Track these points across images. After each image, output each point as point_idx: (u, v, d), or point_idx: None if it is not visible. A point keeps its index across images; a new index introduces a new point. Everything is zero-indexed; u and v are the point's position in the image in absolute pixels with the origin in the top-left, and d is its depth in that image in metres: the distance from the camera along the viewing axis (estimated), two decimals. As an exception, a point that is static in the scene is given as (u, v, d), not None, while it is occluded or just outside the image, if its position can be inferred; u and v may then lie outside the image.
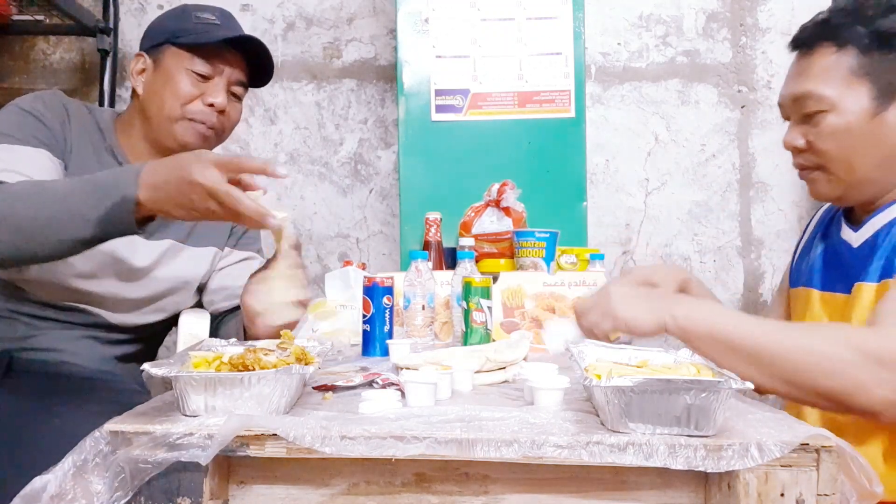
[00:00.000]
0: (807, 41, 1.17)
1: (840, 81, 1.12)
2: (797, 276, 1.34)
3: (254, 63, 1.45)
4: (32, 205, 1.08)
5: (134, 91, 1.43)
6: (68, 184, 1.12)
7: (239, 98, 1.47)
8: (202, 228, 1.49)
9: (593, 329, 1.09)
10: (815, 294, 1.25)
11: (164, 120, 1.38)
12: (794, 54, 1.21)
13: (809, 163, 1.18)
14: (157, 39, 1.41)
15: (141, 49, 1.44)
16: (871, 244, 1.15)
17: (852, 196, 1.18)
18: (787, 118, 1.23)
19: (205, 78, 1.39)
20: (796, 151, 1.20)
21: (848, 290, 1.17)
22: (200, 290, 1.54)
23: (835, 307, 1.20)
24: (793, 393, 0.97)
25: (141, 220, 1.07)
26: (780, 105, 1.23)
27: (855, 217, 1.22)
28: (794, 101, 1.17)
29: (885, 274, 1.10)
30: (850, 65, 1.12)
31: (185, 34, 1.38)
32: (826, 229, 1.30)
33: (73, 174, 1.31)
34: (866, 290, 1.12)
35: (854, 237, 1.20)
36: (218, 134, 1.44)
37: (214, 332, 1.50)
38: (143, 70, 1.42)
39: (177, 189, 1.02)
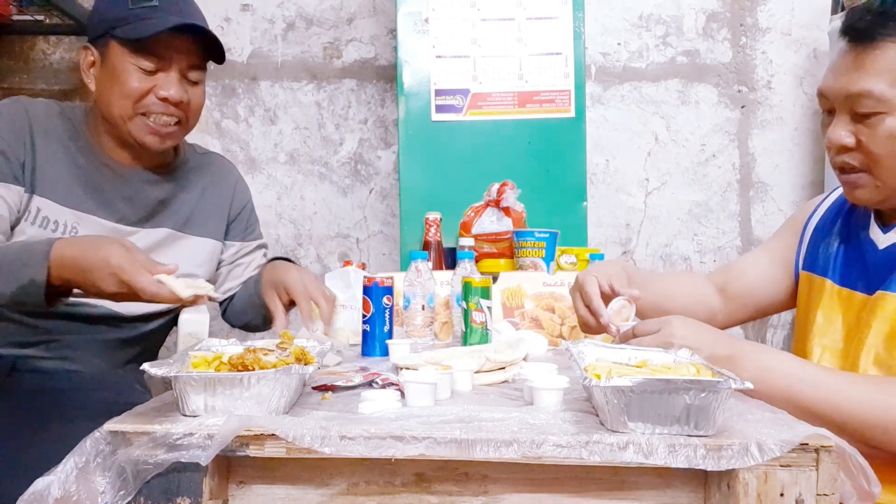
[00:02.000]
0: (868, 33, 1.05)
1: None
2: (812, 260, 1.28)
3: (206, 42, 1.36)
4: None
5: None
6: None
7: (197, 82, 1.38)
8: (200, 217, 1.49)
9: None
10: (833, 287, 1.21)
11: (119, 119, 1.33)
12: (844, 43, 1.09)
13: (856, 163, 1.09)
14: (99, 30, 1.33)
15: (88, 40, 1.35)
16: None
17: (892, 201, 1.12)
18: (828, 110, 1.13)
19: (153, 72, 1.31)
20: (843, 150, 1.10)
21: (869, 291, 1.13)
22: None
23: (851, 304, 1.17)
24: (870, 451, 0.93)
25: (56, 296, 1.14)
26: (824, 95, 1.12)
27: (885, 217, 1.16)
28: (848, 97, 1.07)
29: None
30: None
31: (123, 24, 1.29)
32: (847, 220, 1.24)
33: (44, 183, 1.31)
34: (891, 300, 1.08)
35: (882, 238, 1.14)
36: (182, 124, 1.38)
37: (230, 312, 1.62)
38: (94, 63, 1.34)
39: (88, 264, 1.09)
